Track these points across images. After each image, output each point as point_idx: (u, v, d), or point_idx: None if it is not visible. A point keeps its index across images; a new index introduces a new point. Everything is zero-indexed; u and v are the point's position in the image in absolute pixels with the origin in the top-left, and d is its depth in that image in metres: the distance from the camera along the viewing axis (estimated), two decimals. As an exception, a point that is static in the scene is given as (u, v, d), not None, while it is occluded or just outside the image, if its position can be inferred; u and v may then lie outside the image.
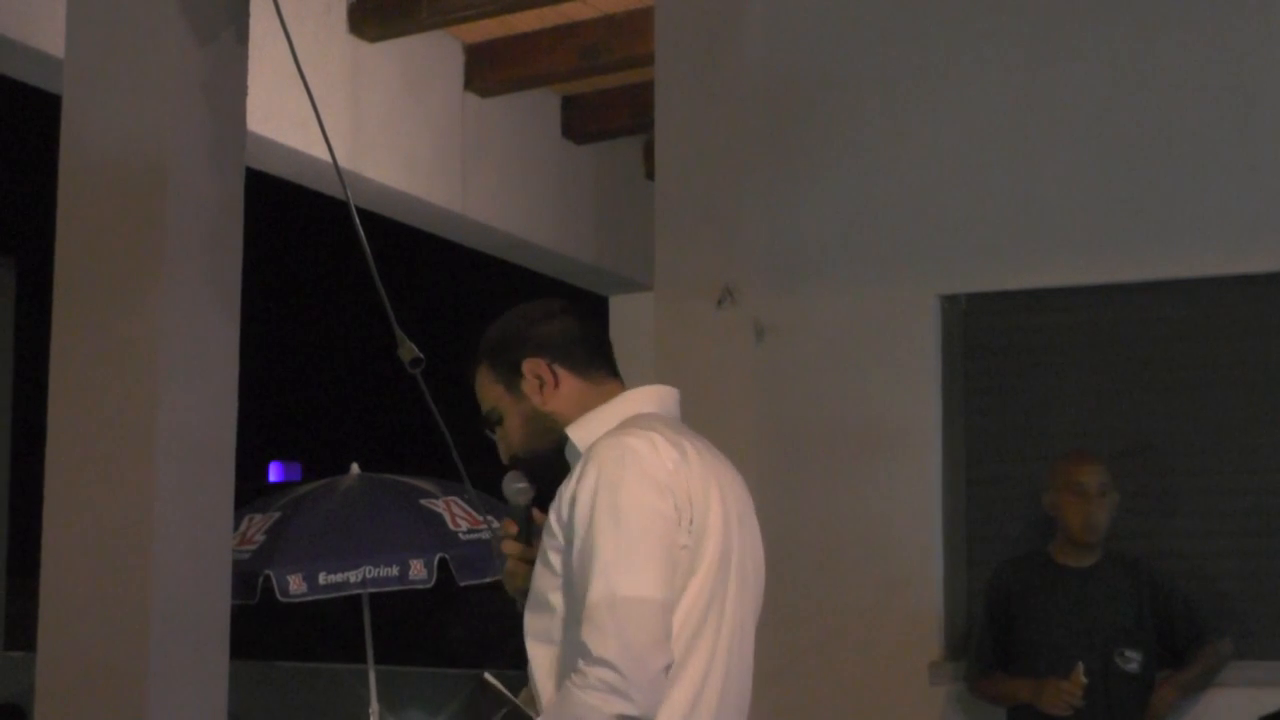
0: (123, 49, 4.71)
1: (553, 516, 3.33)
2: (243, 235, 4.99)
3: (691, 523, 3.28)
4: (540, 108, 8.52)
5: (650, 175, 7.63)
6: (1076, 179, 6.73)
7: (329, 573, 7.34)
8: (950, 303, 6.89)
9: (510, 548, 3.54)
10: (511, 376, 3.52)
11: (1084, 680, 5.89)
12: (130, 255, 4.79)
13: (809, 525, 6.86)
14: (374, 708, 8.16)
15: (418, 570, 7.30)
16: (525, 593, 3.43)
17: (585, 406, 3.49)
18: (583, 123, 9.07)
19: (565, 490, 3.32)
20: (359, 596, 7.77)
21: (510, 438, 3.55)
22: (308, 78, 4.86)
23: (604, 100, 9.02)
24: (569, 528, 3.28)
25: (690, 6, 7.22)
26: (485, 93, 8.35)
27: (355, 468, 8.08)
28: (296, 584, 7.29)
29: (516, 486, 3.54)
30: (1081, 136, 6.73)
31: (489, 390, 3.56)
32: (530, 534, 3.51)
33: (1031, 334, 6.86)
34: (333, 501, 7.79)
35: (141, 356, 4.71)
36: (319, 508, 7.74)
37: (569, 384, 3.49)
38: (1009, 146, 6.81)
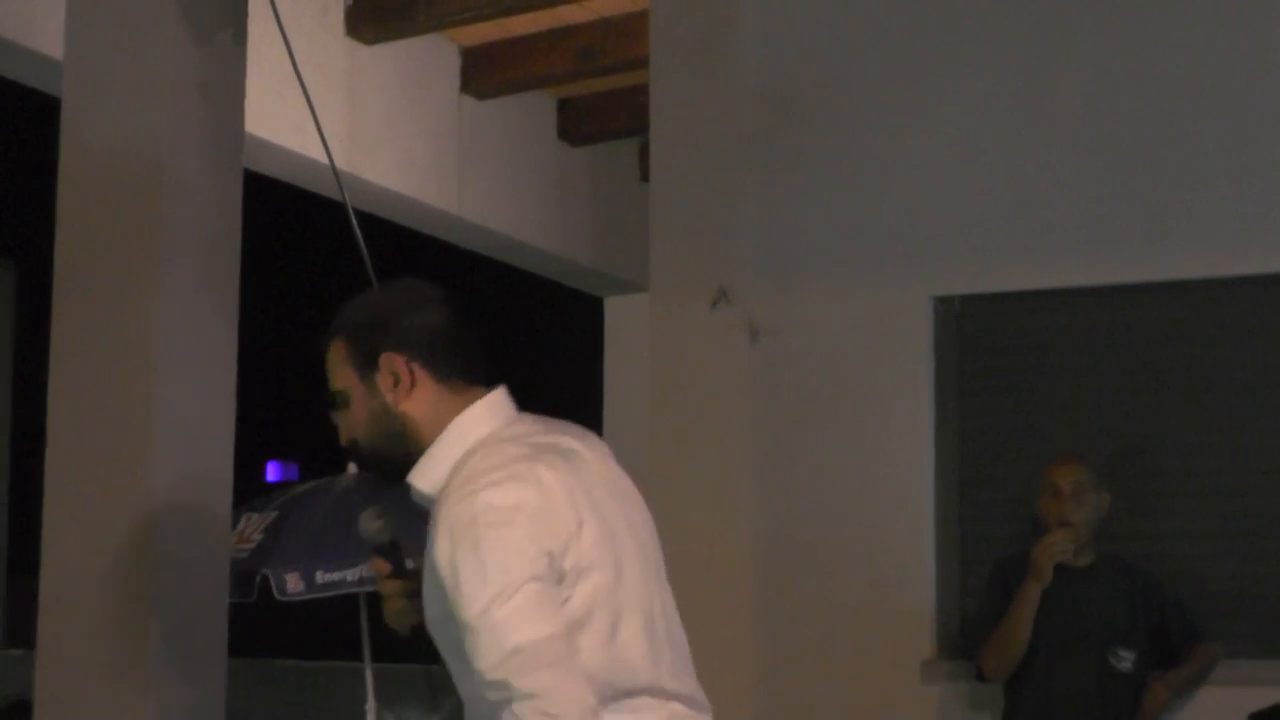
0: (121, 51, 4.68)
1: (426, 584, 3.15)
2: (241, 236, 4.96)
3: (566, 567, 3.13)
4: (536, 110, 8.52)
5: (645, 177, 7.63)
6: (1069, 182, 6.73)
7: (326, 571, 7.34)
8: (944, 304, 6.89)
9: (389, 587, 3.38)
10: (367, 365, 3.29)
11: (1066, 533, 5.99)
12: (129, 256, 4.77)
13: (803, 524, 6.86)
14: (371, 705, 8.16)
15: (414, 568, 7.28)
16: (417, 626, 3.30)
17: (439, 416, 3.27)
18: (578, 125, 9.06)
19: (428, 557, 3.14)
20: (356, 595, 7.76)
21: (353, 427, 3.32)
22: (305, 80, 4.85)
23: (600, 103, 9.02)
24: (441, 598, 3.10)
25: (685, 11, 7.22)
26: (482, 95, 8.34)
27: (352, 467, 8.06)
28: (294, 583, 7.29)
29: (374, 526, 3.35)
30: (1074, 139, 6.73)
31: (339, 371, 3.33)
32: (403, 567, 3.35)
33: (1024, 335, 6.85)
34: (329, 500, 7.79)
35: (140, 356, 4.69)
36: (316, 507, 7.75)
37: (426, 388, 3.27)
38: (1002, 149, 6.81)
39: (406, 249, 8.31)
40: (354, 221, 4.91)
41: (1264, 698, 5.89)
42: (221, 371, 4.93)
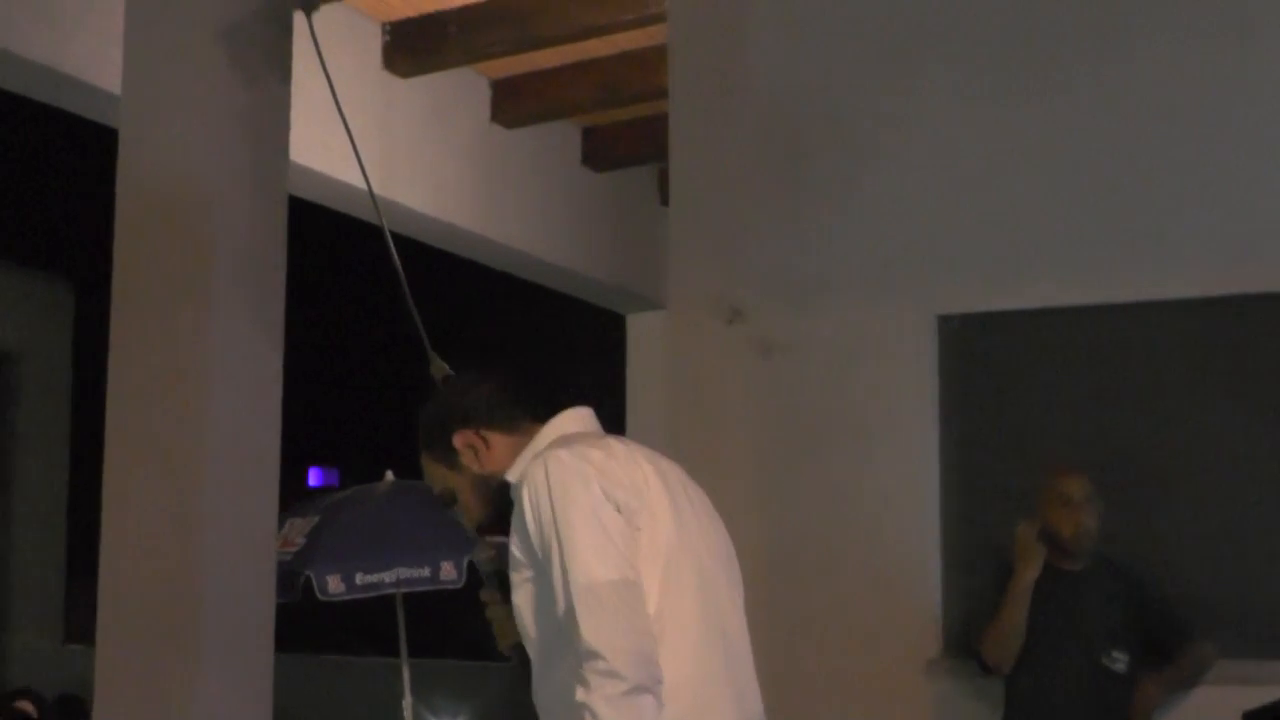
0: (176, 91, 4.80)
1: (514, 548, 3.39)
2: (286, 258, 5.07)
3: (634, 506, 3.32)
4: (561, 138, 8.60)
5: (665, 201, 7.71)
6: (1067, 205, 6.76)
7: (365, 573, 7.40)
8: (947, 322, 6.93)
9: (495, 613, 3.59)
10: (449, 454, 3.58)
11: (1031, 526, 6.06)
12: (182, 278, 4.88)
13: (813, 530, 6.90)
14: (407, 700, 8.22)
15: (448, 571, 7.37)
16: (518, 646, 3.49)
17: (519, 456, 3.54)
18: (601, 152, 9.14)
19: (515, 522, 3.38)
20: (393, 595, 7.82)
21: (468, 509, 3.60)
22: (345, 111, 4.96)
23: (621, 131, 9.09)
24: (531, 553, 3.33)
25: (701, 44, 7.28)
26: (510, 124, 8.42)
27: (389, 475, 8.13)
28: (335, 584, 7.35)
29: (483, 557, 3.61)
30: (1071, 164, 6.76)
31: (436, 473, 3.62)
32: (508, 595, 3.52)
33: (1024, 352, 6.88)
34: (368, 506, 7.85)
35: (193, 373, 4.80)
36: (356, 512, 7.80)
37: (499, 443, 3.55)
38: (1004, 175, 6.85)
39: (439, 270, 8.41)
40: (390, 242, 5.02)
41: (1257, 697, 5.86)
42: (268, 385, 5.03)
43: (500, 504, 3.53)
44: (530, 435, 3.56)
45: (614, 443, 3.45)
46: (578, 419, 3.60)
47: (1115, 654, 6.07)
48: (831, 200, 7.06)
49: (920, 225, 6.92)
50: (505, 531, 3.51)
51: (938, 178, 6.92)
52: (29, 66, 5.89)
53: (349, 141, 4.99)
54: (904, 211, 6.96)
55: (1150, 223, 6.63)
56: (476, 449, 3.56)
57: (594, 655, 3.17)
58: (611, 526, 3.28)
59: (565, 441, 3.44)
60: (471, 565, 7.24)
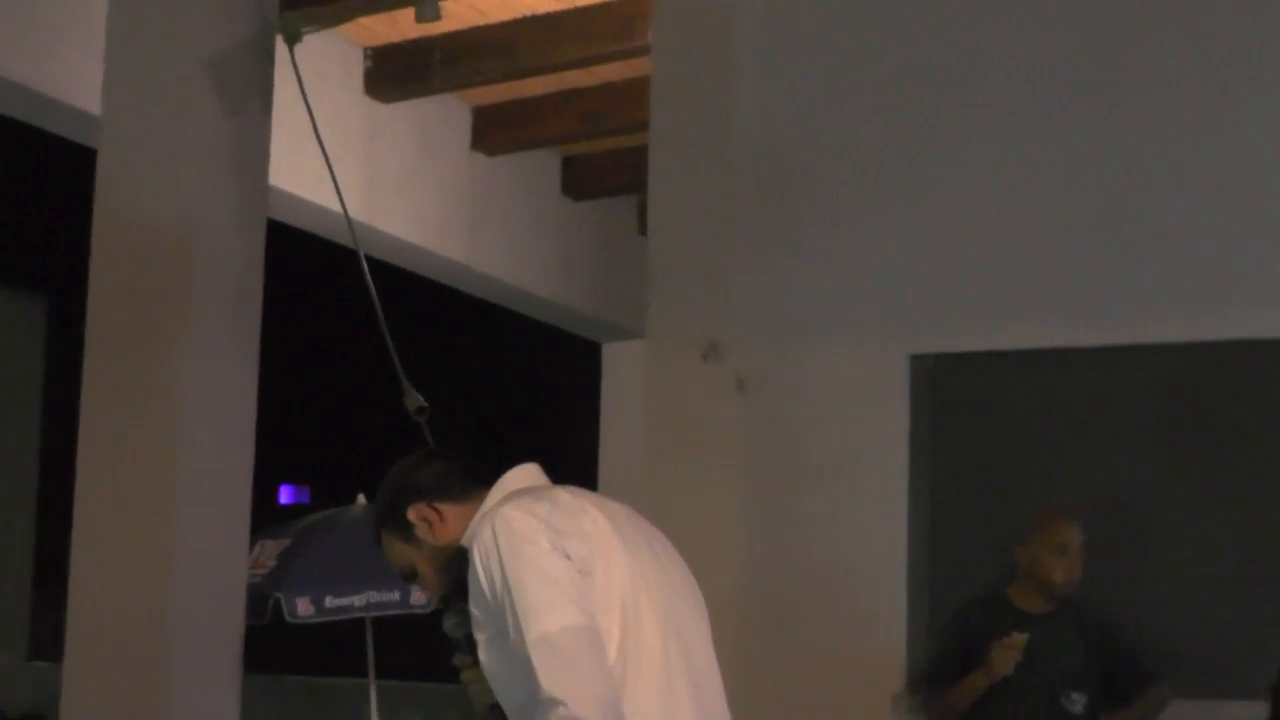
0: (156, 114, 4.80)
1: (474, 608, 3.37)
2: (263, 285, 5.07)
3: (583, 553, 3.31)
4: (542, 166, 8.62)
5: (644, 230, 7.72)
6: (1045, 248, 6.78)
7: (335, 596, 7.39)
8: (919, 362, 6.96)
9: (469, 675, 3.56)
10: (404, 528, 3.58)
11: (1022, 639, 5.94)
12: (159, 301, 4.88)
13: (785, 566, 6.91)
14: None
15: (418, 596, 7.34)
16: (495, 705, 3.47)
17: (471, 521, 3.53)
18: (582, 181, 9.15)
19: (470, 584, 3.36)
20: (362, 618, 7.81)
21: (429, 583, 3.60)
22: (326, 137, 4.96)
23: (602, 161, 9.10)
24: (490, 613, 3.32)
25: (685, 78, 7.29)
26: (491, 152, 8.43)
27: (361, 498, 8.11)
28: (304, 606, 7.33)
29: (451, 623, 3.62)
30: (1047, 210, 6.79)
31: (395, 551, 3.62)
32: (478, 657, 3.52)
33: (994, 393, 6.91)
34: (340, 530, 7.83)
35: (169, 396, 4.80)
36: (327, 535, 7.79)
37: (452, 514, 3.55)
38: (979, 218, 6.88)
39: (419, 296, 8.41)
40: (365, 267, 5.02)
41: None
42: (242, 411, 5.03)
43: (459, 573, 3.52)
44: (480, 501, 3.56)
45: (560, 493, 3.45)
46: (524, 475, 3.60)
47: (1074, 695, 6.08)
48: (809, 238, 7.08)
49: (897, 265, 6.95)
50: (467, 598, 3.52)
51: (918, 219, 6.95)
52: (4, 84, 5.86)
53: (328, 168, 4.98)
54: (881, 251, 6.97)
55: (1127, 268, 6.66)
56: (431, 521, 3.56)
57: (555, 703, 3.18)
58: (562, 577, 3.28)
59: (512, 498, 3.45)
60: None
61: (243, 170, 4.83)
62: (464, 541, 3.48)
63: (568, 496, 3.43)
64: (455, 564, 3.51)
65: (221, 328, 4.92)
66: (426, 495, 3.57)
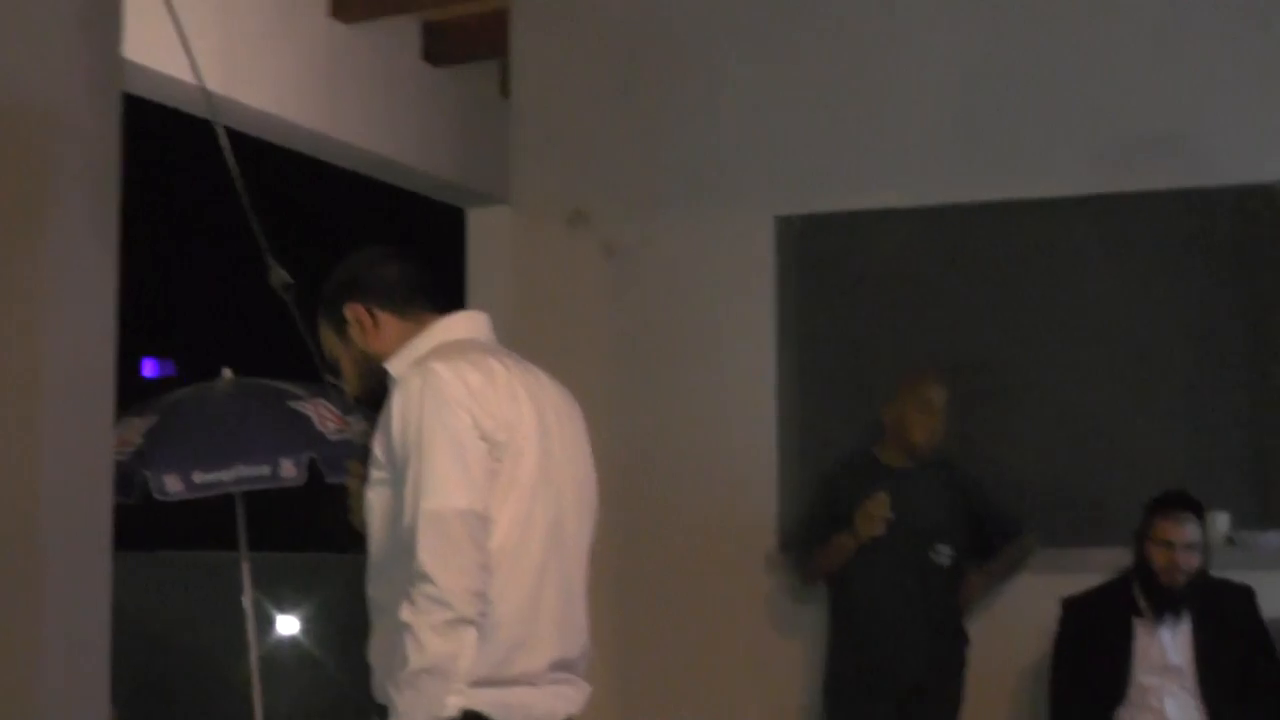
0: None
1: (376, 447, 3.38)
2: (120, 164, 4.95)
3: (500, 440, 3.31)
4: (401, 33, 8.47)
5: (507, 94, 7.64)
6: (911, 107, 6.83)
7: (204, 472, 7.30)
8: (785, 223, 6.98)
9: (355, 486, 3.60)
10: (339, 323, 3.59)
11: (885, 499, 6.05)
12: (12, 182, 4.75)
13: (656, 429, 6.97)
14: (248, 595, 8.19)
15: (289, 469, 7.28)
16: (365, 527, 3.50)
17: (406, 344, 3.53)
18: (443, 47, 9.01)
19: (381, 420, 3.37)
20: (232, 493, 7.76)
21: (348, 380, 3.62)
22: (179, 7, 4.83)
23: (464, 24, 8.96)
24: (391, 458, 3.33)
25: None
26: (350, 19, 8.26)
27: (227, 372, 8.02)
28: (173, 483, 7.25)
29: (358, 430, 3.64)
30: (914, 67, 6.83)
31: (326, 339, 3.64)
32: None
33: (859, 253, 6.97)
34: (207, 404, 7.74)
35: (26, 278, 4.69)
36: (194, 411, 7.69)
37: (390, 325, 3.55)
38: (843, 82, 6.90)
39: (281, 167, 8.27)
40: (225, 140, 4.93)
41: (1075, 584, 6.09)
42: (104, 291, 4.93)
43: (378, 387, 3.53)
44: (421, 326, 3.54)
45: (497, 366, 3.41)
46: (470, 324, 3.58)
47: (940, 548, 6.21)
48: (671, 103, 7.07)
49: (760, 128, 6.95)
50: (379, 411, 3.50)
51: (782, 81, 6.95)
52: None
53: (181, 40, 4.85)
54: (748, 113, 6.98)
55: (1000, 124, 6.71)
56: (364, 324, 3.56)
57: (426, 579, 3.20)
58: (471, 456, 3.27)
59: (449, 352, 3.41)
60: (313, 463, 7.22)
61: (94, 44, 4.70)
62: (389, 367, 3.48)
63: (504, 373, 3.39)
64: (376, 375, 3.52)
65: (79, 206, 4.80)
66: (369, 297, 3.56)
